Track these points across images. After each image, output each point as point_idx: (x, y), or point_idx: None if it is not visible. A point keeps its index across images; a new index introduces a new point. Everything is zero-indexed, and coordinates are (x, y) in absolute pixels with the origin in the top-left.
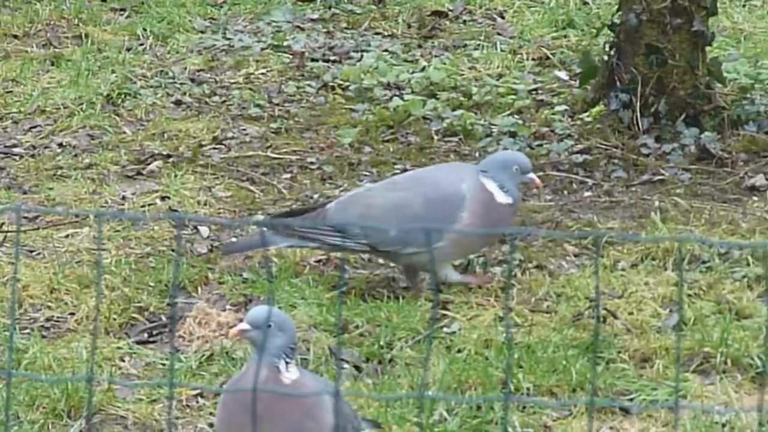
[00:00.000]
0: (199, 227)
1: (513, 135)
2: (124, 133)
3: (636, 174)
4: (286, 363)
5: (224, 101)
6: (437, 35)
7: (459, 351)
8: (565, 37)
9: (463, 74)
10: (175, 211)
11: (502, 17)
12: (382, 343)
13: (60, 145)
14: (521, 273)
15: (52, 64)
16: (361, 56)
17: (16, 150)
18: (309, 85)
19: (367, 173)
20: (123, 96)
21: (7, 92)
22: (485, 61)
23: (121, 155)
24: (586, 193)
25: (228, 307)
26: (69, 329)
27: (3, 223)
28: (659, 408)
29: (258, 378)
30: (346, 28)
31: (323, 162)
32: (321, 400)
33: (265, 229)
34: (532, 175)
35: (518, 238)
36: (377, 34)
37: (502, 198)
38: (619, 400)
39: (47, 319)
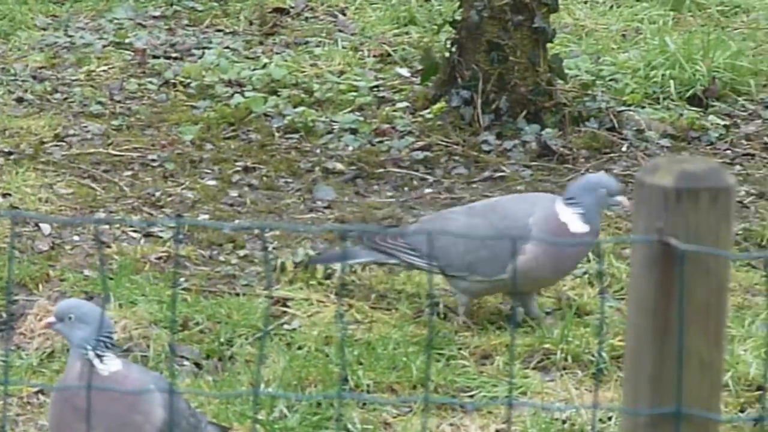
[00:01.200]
0: (40, 225)
1: (354, 132)
2: None
3: (477, 170)
4: (99, 355)
5: (66, 98)
6: (279, 32)
7: (299, 348)
8: (406, 34)
9: (304, 71)
10: (16, 208)
11: (344, 14)
12: (222, 340)
13: None
14: (361, 269)
15: None
16: (203, 53)
17: None
18: (151, 83)
19: (208, 170)
20: None
21: None
22: (327, 58)
23: None
24: (427, 190)
25: None
26: None
27: None
28: (499, 405)
29: (74, 371)
30: (187, 26)
31: (165, 159)
32: (150, 395)
33: (348, 243)
34: (620, 197)
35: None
36: (219, 31)
37: (577, 227)
38: (459, 397)
39: None
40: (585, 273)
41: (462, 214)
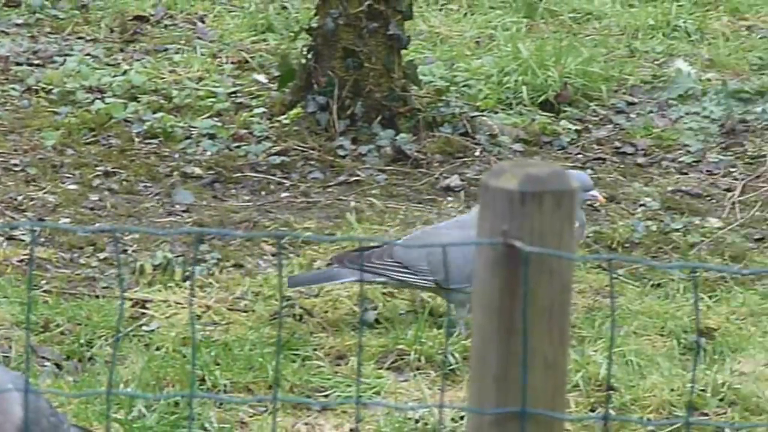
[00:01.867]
0: None
1: (212, 137)
2: None
3: (333, 175)
4: None
5: None
6: (139, 40)
7: (157, 349)
8: (264, 41)
9: (163, 78)
10: None
11: (203, 22)
12: (82, 341)
13: None
14: (219, 272)
15: None
16: (65, 60)
17: None
18: (13, 89)
19: (69, 175)
20: None
21: None
22: (186, 64)
23: None
24: (284, 194)
25: None
26: None
27: None
28: (353, 404)
29: None
30: (50, 33)
31: (27, 164)
32: (8, 394)
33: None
34: (594, 192)
35: (216, 237)
36: (80, 38)
37: None
38: (314, 396)
39: None
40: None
41: (453, 228)
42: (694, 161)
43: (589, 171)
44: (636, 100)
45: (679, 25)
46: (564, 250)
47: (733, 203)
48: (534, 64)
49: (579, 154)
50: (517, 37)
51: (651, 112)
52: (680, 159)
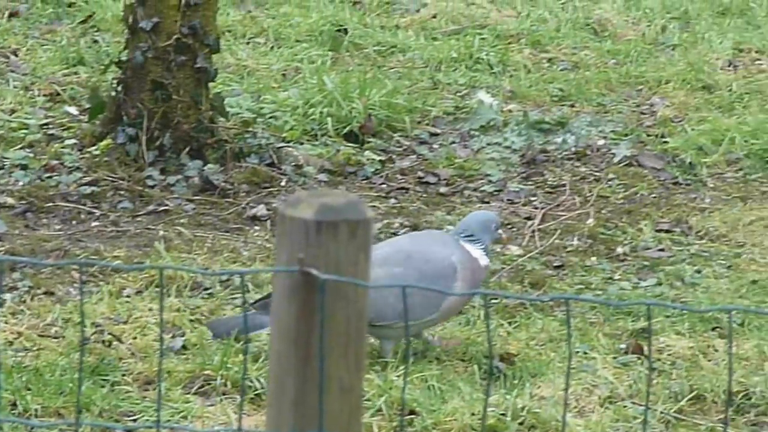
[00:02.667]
0: None
1: (24, 168)
2: None
3: (142, 205)
4: None
5: None
6: None
7: None
8: (75, 74)
9: None
10: None
11: (16, 55)
12: None
13: None
14: (30, 299)
15: None
16: None
17: None
18: None
19: None
20: None
21: None
22: None
23: None
24: (94, 223)
25: None
26: None
27: None
28: (156, 429)
29: None
30: None
31: None
32: None
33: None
34: (501, 230)
35: (27, 266)
36: None
37: (484, 261)
38: (123, 421)
39: None
40: (244, 303)
41: (377, 266)
42: (495, 190)
43: (392, 201)
44: (439, 131)
45: (482, 58)
46: (359, 277)
47: (533, 231)
48: (339, 96)
49: (383, 184)
50: (322, 69)
51: (453, 142)
52: (482, 188)
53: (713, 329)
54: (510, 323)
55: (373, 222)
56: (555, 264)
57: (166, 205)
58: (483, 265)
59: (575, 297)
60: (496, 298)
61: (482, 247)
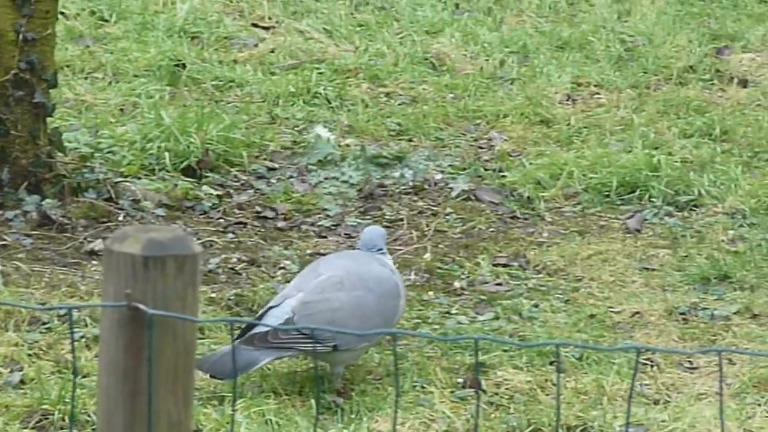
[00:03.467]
0: None
1: None
2: None
3: None
4: None
5: None
6: None
7: None
8: None
9: None
10: None
11: None
12: None
13: None
14: None
15: None
16: None
17: None
18: None
19: None
20: None
21: None
22: None
23: None
24: None
25: None
26: None
27: None
28: None
29: None
30: None
31: None
32: None
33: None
34: None
35: None
36: None
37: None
38: None
39: None
40: (82, 337)
41: (334, 292)
42: (333, 225)
43: (230, 235)
44: (276, 165)
45: (320, 92)
46: (187, 313)
47: None
48: (177, 130)
49: (221, 218)
50: (160, 104)
51: (291, 177)
52: (319, 223)
53: (551, 363)
54: None
55: (200, 257)
56: None
57: (4, 240)
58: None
59: (401, 332)
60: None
61: (390, 259)
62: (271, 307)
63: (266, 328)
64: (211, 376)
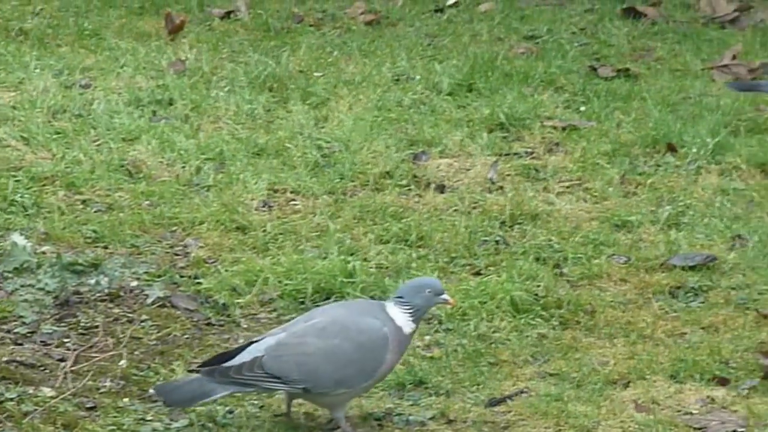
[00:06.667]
0: None
1: None
2: None
3: None
4: None
5: None
6: None
7: None
8: None
9: None
10: None
11: None
12: None
13: None
14: None
15: None
16: None
17: None
18: None
19: None
20: None
21: None
22: None
23: None
24: None
25: None
26: None
27: None
28: None
29: None
30: None
31: None
32: None
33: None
34: (445, 296)
35: None
36: None
37: (408, 329)
38: None
39: None
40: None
41: (313, 337)
42: (28, 332)
43: None
44: None
45: (16, 200)
46: None
47: (66, 373)
48: None
49: None
50: None
51: None
52: (15, 330)
53: None
54: None
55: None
56: (87, 405)
57: None
58: (406, 333)
59: None
60: None
61: (411, 311)
62: (252, 342)
63: (233, 364)
64: (164, 403)
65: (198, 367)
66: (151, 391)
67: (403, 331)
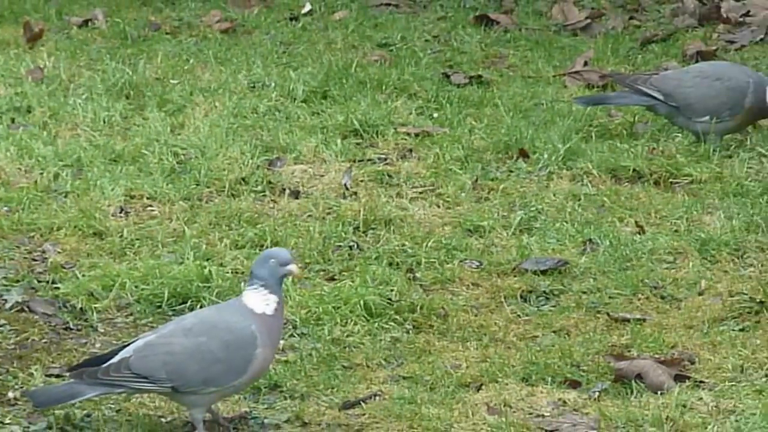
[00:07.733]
0: None
1: None
2: None
3: None
4: None
5: None
6: None
7: None
8: None
9: None
10: None
11: None
12: None
13: None
14: None
15: None
16: None
17: None
18: None
19: None
20: None
21: None
22: None
23: None
24: None
25: None
26: None
27: None
28: None
29: None
30: None
31: None
32: None
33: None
34: (291, 266)
35: None
36: None
37: (269, 310)
38: None
39: None
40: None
41: (180, 336)
42: None
43: None
44: None
45: None
46: None
47: None
48: None
49: None
50: None
51: None
52: None
53: None
54: None
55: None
56: None
57: None
58: (270, 314)
59: None
60: None
61: (262, 286)
62: (127, 344)
63: (103, 365)
64: (33, 405)
65: (69, 369)
66: (20, 394)
67: (267, 315)
